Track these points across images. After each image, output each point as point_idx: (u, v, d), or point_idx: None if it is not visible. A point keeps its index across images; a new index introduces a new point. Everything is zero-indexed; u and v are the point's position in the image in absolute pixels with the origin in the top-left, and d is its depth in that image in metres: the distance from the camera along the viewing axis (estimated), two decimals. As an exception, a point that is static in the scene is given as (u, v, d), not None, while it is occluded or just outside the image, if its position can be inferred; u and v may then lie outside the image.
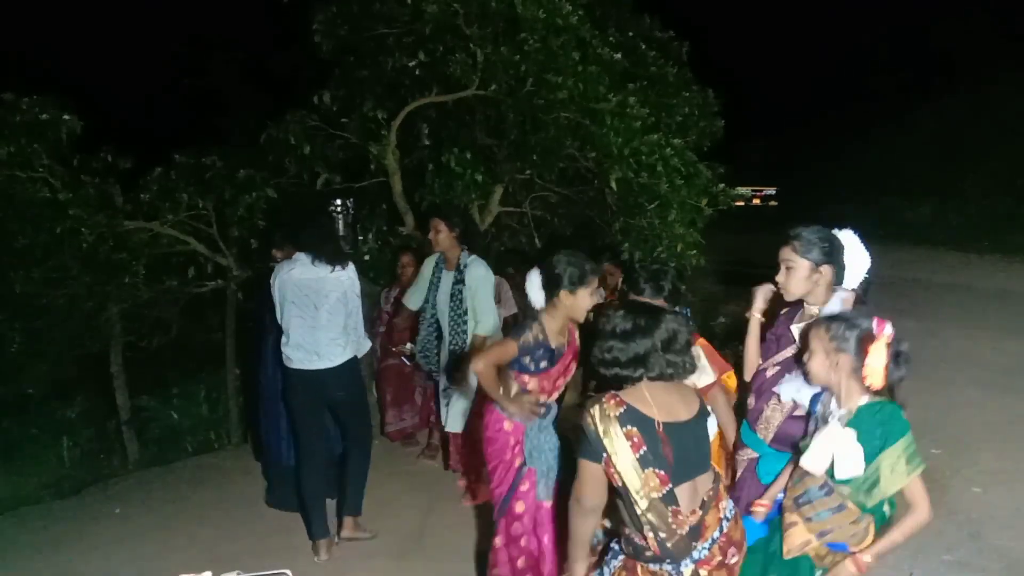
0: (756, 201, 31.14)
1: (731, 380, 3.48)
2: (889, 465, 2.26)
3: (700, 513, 2.23)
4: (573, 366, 3.49)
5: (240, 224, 6.40)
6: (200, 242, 6.62)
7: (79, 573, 4.31)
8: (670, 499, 2.19)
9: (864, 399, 2.35)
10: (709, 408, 2.48)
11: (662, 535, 2.20)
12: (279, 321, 4.24)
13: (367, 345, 4.59)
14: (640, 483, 2.18)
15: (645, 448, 2.18)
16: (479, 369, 3.18)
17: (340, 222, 5.49)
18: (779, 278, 2.85)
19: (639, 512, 2.19)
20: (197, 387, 8.41)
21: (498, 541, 3.42)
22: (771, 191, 31.19)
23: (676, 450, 2.21)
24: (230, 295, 7.18)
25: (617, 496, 2.29)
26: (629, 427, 2.20)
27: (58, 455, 8.05)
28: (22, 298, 5.97)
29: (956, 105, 17.83)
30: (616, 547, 2.39)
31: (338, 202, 5.59)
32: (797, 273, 2.78)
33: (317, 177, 6.55)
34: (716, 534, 2.25)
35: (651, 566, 2.26)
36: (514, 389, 3.31)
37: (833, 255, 2.78)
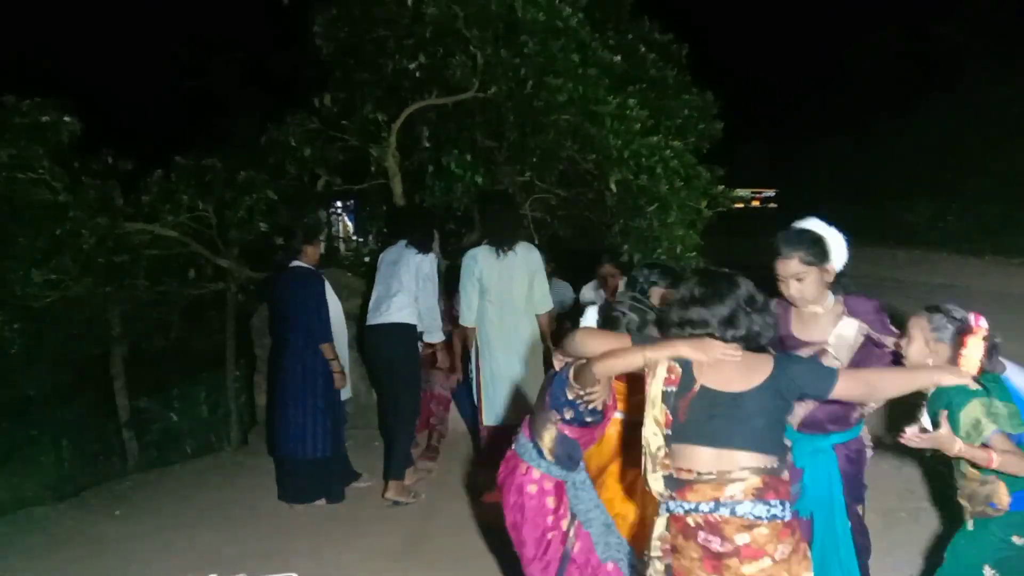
0: (755, 203, 31.12)
1: None
2: (965, 428, 2.43)
3: (694, 475, 2.21)
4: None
5: (240, 226, 6.40)
6: (200, 244, 6.63)
7: (79, 575, 4.31)
8: (673, 440, 2.26)
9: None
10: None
11: (649, 464, 2.27)
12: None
13: (438, 335, 5.04)
14: (655, 409, 2.28)
15: (674, 388, 2.27)
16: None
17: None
18: (792, 292, 2.84)
19: (644, 432, 2.29)
20: (197, 389, 8.42)
21: None
22: (770, 193, 31.17)
23: (698, 414, 2.23)
24: (230, 297, 7.19)
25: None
26: (675, 363, 2.30)
27: (58, 457, 8.06)
28: (22, 300, 5.97)
29: (955, 108, 17.81)
30: None
31: (339, 204, 5.69)
32: (810, 279, 2.81)
33: (317, 179, 6.57)
34: (704, 507, 2.18)
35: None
36: (550, 436, 2.81)
37: (828, 251, 2.84)
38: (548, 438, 2.79)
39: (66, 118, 5.79)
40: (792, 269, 2.80)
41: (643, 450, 2.30)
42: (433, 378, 5.49)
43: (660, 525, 2.27)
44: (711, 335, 2.29)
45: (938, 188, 17.24)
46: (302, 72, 7.42)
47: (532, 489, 2.82)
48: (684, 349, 2.29)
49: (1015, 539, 2.57)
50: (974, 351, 2.49)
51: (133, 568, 4.30)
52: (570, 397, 2.68)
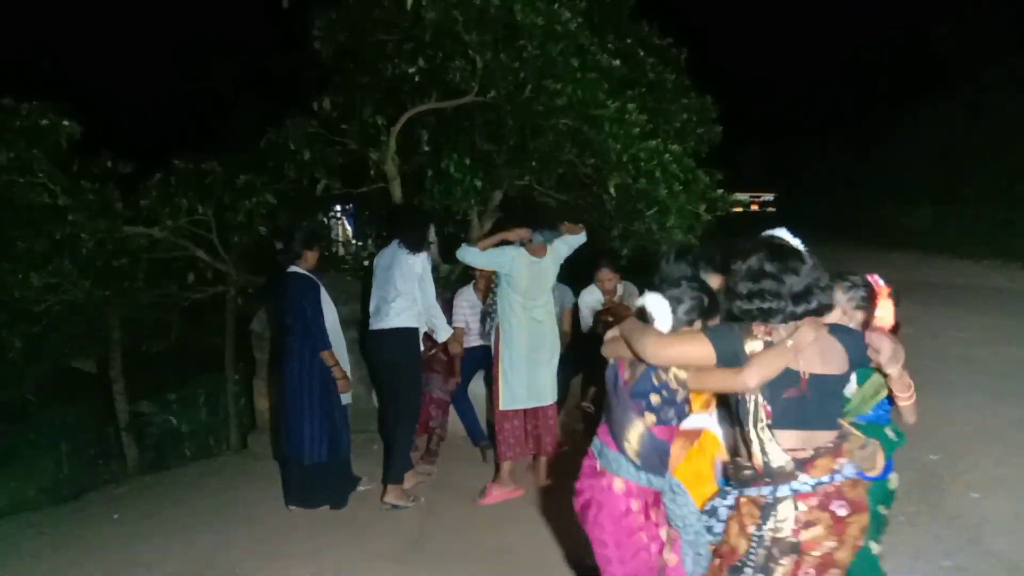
0: (754, 207, 31.10)
1: None
2: (867, 391, 2.68)
3: (811, 452, 2.31)
4: None
5: (240, 230, 6.40)
6: (200, 247, 6.63)
7: (78, 578, 4.31)
8: (774, 426, 2.33)
9: None
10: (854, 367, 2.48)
11: (769, 454, 2.31)
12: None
13: (445, 331, 5.11)
14: (754, 406, 2.34)
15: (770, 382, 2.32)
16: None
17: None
18: None
19: (749, 427, 2.33)
20: (196, 392, 8.41)
21: None
22: (769, 197, 31.21)
23: (799, 400, 2.30)
24: (229, 300, 7.19)
25: (734, 410, 2.40)
26: None
27: (57, 460, 8.06)
28: (21, 303, 5.97)
29: (954, 111, 17.85)
30: (725, 488, 2.51)
31: (338, 207, 5.70)
32: None
33: (317, 182, 6.56)
34: (825, 478, 2.29)
35: (751, 493, 2.36)
36: (639, 431, 2.65)
37: None
38: (635, 438, 2.63)
39: (65, 122, 5.79)
40: None
41: (753, 446, 2.34)
42: (432, 381, 5.50)
43: (786, 507, 2.30)
44: (779, 308, 2.33)
45: (937, 191, 17.27)
46: (302, 75, 7.42)
47: (635, 506, 2.67)
48: (795, 351, 2.31)
49: (881, 508, 2.80)
50: (886, 309, 2.77)
51: (132, 571, 4.30)
52: (660, 381, 2.60)
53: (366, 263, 6.94)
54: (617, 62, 6.04)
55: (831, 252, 14.53)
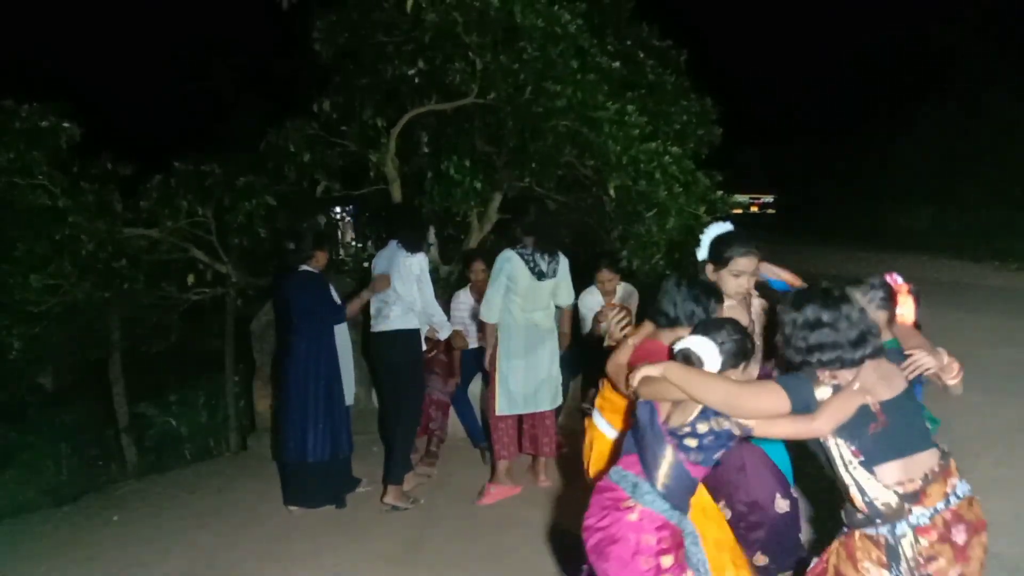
0: (754, 209, 31.12)
1: None
2: None
3: (919, 483, 2.26)
4: None
5: (240, 231, 6.40)
6: (199, 249, 6.63)
7: (78, 580, 4.31)
8: (869, 465, 2.29)
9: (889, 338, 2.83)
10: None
11: (869, 493, 2.28)
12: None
13: (446, 327, 5.16)
14: (838, 451, 2.33)
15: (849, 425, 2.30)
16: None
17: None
18: (743, 286, 3.16)
19: (841, 472, 2.33)
20: (196, 394, 8.42)
21: None
22: (769, 198, 31.21)
23: (889, 426, 2.28)
24: (229, 302, 7.20)
25: (825, 459, 2.40)
26: None
27: (57, 462, 8.05)
28: (21, 305, 5.98)
29: (953, 113, 17.85)
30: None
31: (338, 209, 5.71)
32: (755, 275, 3.22)
33: (316, 184, 6.57)
34: (940, 505, 2.25)
35: (867, 531, 2.31)
36: (671, 461, 2.53)
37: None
38: (665, 469, 2.53)
39: (65, 123, 5.80)
40: (753, 266, 3.15)
41: (851, 491, 2.32)
42: (432, 383, 5.49)
43: (907, 545, 2.25)
44: (838, 358, 2.32)
45: (937, 192, 17.29)
46: (302, 76, 7.43)
47: (666, 543, 2.51)
48: (865, 396, 2.31)
49: None
50: (907, 306, 2.85)
51: (132, 572, 4.30)
52: (711, 429, 2.49)
53: (366, 264, 6.94)
54: (617, 64, 6.06)
55: (831, 253, 14.54)
